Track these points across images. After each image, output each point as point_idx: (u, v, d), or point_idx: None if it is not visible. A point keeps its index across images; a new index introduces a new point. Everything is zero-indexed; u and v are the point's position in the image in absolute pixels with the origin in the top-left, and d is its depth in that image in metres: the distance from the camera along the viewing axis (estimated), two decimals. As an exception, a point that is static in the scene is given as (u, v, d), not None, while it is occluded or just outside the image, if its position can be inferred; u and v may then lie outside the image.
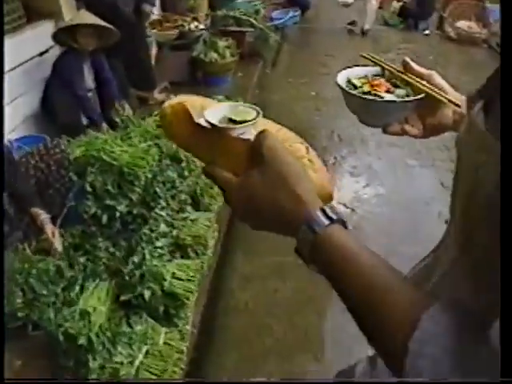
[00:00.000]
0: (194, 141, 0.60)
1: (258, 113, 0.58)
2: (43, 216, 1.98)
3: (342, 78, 0.79)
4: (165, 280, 1.85)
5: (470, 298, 0.48)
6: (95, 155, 2.09)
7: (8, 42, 2.79)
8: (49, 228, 1.99)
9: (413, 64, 0.76)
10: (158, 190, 2.09)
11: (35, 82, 3.09)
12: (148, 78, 3.75)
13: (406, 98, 0.73)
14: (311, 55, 6.41)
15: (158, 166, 2.17)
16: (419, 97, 0.72)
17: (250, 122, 0.56)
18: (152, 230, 2.06)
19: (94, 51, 3.19)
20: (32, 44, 3.04)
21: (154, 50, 4.14)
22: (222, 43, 4.16)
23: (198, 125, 0.57)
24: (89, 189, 2.10)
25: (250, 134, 0.56)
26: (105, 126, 3.07)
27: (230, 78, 4.32)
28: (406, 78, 0.75)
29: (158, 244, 2.01)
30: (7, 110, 2.84)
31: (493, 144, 0.43)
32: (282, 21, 6.85)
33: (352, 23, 7.45)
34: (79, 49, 3.04)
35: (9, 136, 2.86)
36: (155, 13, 4.36)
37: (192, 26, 4.39)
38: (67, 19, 3.15)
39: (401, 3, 7.64)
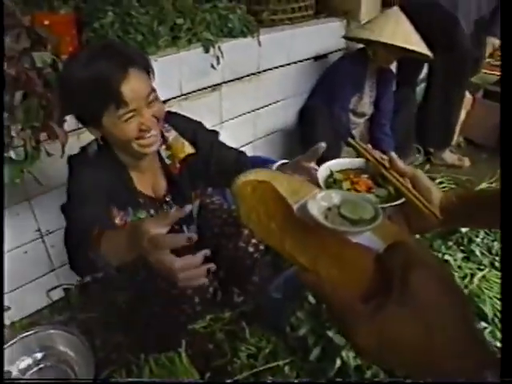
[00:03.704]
0: (281, 234, 0.44)
1: (377, 210, 0.46)
2: None
3: (323, 171, 0.72)
4: None
5: None
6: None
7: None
8: None
9: (398, 161, 0.70)
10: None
11: (295, 91, 2.38)
12: (447, 134, 2.71)
13: (382, 205, 0.64)
14: None
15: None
16: (396, 203, 0.65)
17: (374, 223, 0.43)
18: None
19: (386, 68, 2.32)
20: (311, 42, 2.33)
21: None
22: None
23: (293, 215, 0.44)
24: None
25: (370, 239, 0.43)
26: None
27: None
28: (388, 176, 0.69)
29: None
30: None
31: None
32: None
33: None
34: (371, 60, 2.22)
35: (249, 145, 2.22)
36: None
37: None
38: (365, 19, 2.35)
39: None
